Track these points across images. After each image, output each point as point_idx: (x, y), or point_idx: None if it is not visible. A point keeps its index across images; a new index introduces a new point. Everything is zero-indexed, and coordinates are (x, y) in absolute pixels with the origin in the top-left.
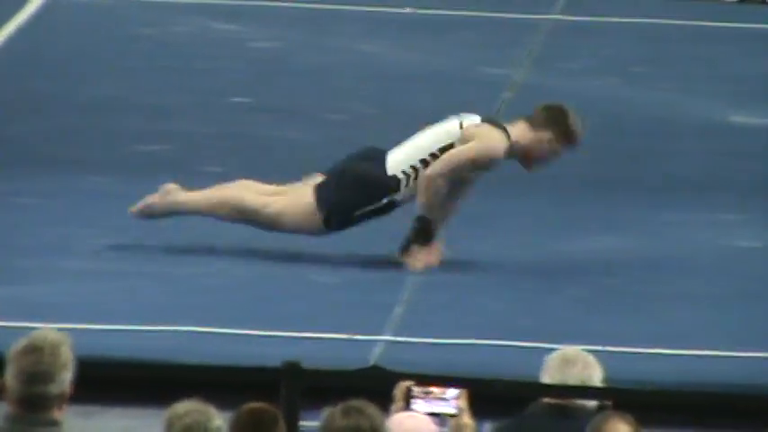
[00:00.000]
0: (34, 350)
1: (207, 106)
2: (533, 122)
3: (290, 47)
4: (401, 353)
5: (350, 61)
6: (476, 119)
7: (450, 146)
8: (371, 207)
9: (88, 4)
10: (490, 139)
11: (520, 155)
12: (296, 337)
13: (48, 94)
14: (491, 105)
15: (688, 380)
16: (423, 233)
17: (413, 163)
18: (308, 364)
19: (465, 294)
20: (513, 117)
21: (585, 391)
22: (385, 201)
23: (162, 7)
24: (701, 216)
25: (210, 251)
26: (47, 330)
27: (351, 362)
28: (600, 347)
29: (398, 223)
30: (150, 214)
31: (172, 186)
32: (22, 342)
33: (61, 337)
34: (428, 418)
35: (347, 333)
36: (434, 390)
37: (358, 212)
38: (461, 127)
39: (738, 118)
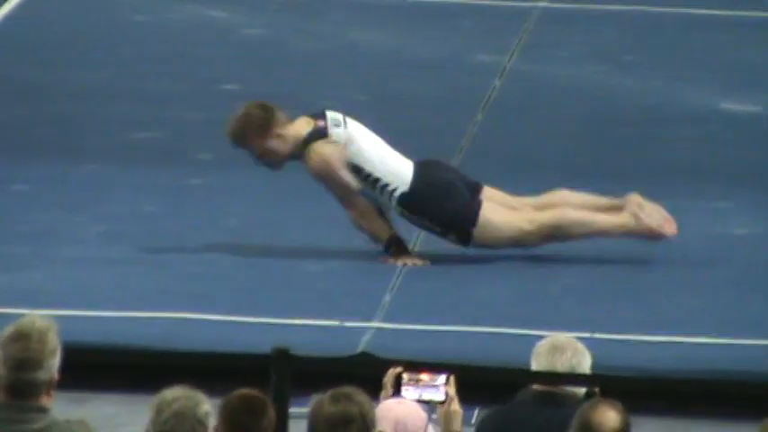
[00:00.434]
0: (22, 337)
1: (199, 93)
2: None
3: (281, 34)
4: (390, 340)
5: (341, 48)
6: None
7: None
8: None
9: None
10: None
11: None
12: (285, 324)
13: (39, 80)
14: (482, 92)
15: (677, 367)
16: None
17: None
18: (297, 350)
19: (454, 281)
20: (503, 106)
21: (575, 377)
22: None
23: None
24: (694, 204)
25: (201, 239)
26: (34, 317)
27: (340, 348)
28: (589, 334)
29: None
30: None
31: None
32: (9, 329)
33: (48, 323)
34: (417, 405)
35: (337, 320)
36: (424, 376)
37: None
38: None
39: (729, 105)
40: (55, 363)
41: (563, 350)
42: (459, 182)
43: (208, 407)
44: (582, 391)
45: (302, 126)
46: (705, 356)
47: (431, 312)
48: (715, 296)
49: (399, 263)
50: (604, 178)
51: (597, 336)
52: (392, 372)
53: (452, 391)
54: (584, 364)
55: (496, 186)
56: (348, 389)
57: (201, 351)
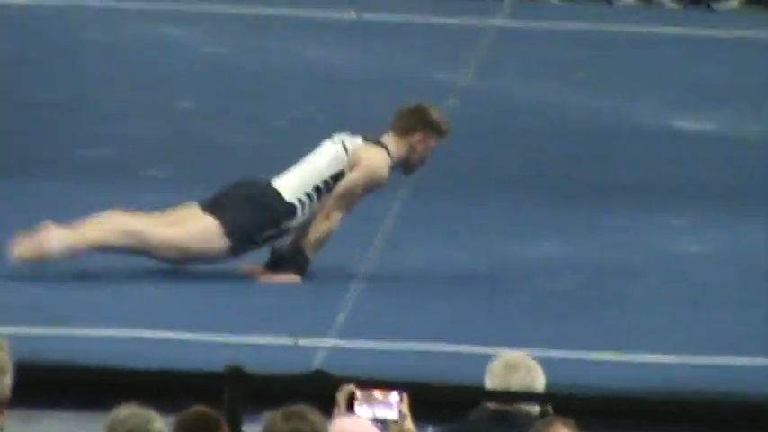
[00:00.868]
0: None
1: (153, 110)
2: (400, 130)
3: (236, 51)
4: (344, 358)
5: (296, 66)
6: (357, 140)
7: (341, 172)
8: (273, 232)
9: (32, 6)
10: (376, 163)
11: (401, 165)
12: (239, 342)
13: None
14: None
15: (631, 385)
16: (299, 269)
17: (307, 190)
18: (251, 368)
19: (409, 299)
20: (458, 122)
21: (528, 396)
22: (285, 227)
23: (109, 11)
24: (647, 221)
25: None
26: None
27: (294, 366)
28: (543, 352)
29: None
30: (41, 255)
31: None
32: None
33: None
34: (370, 423)
35: (291, 338)
36: (377, 394)
37: (262, 236)
38: (346, 150)
39: (681, 123)
40: (7, 381)
41: (517, 368)
42: None
43: (161, 425)
44: (536, 409)
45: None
46: (659, 374)
47: (385, 330)
48: (669, 314)
49: (275, 278)
50: (557, 194)
51: (549, 354)
52: (345, 389)
53: (406, 408)
54: (538, 383)
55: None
56: (300, 407)
57: (155, 369)
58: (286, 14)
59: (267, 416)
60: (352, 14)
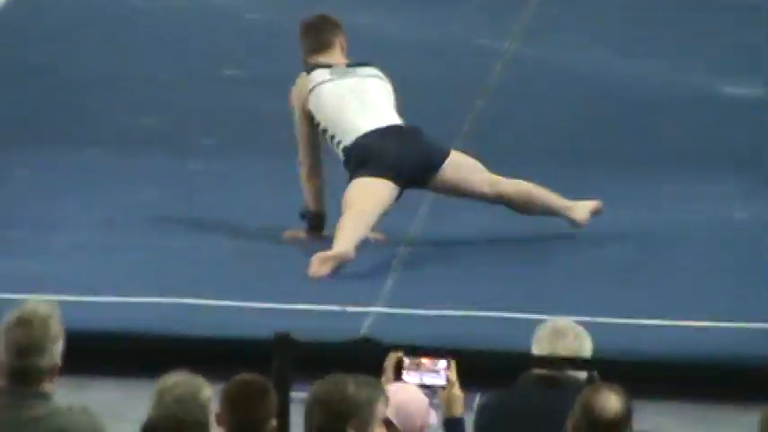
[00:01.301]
0: (24, 323)
1: (200, 79)
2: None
3: (283, 18)
4: (392, 324)
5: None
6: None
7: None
8: None
9: None
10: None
11: None
12: (287, 309)
13: (41, 67)
14: (484, 77)
15: (679, 351)
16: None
17: None
18: (299, 335)
19: (456, 266)
20: (505, 90)
21: (575, 362)
22: None
23: None
24: (696, 188)
25: (201, 225)
26: (36, 303)
27: (342, 333)
28: (590, 318)
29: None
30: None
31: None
32: (11, 315)
33: (50, 309)
34: (418, 390)
35: (338, 305)
36: (425, 361)
37: None
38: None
39: (731, 89)
40: (57, 348)
41: (564, 334)
42: (402, 148)
43: (209, 392)
44: (582, 375)
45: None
46: (706, 340)
47: (432, 297)
48: (717, 280)
49: (288, 236)
50: (605, 162)
51: (597, 320)
52: (393, 356)
53: (453, 375)
54: (585, 349)
55: (499, 172)
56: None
57: (203, 336)
58: None
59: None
60: None
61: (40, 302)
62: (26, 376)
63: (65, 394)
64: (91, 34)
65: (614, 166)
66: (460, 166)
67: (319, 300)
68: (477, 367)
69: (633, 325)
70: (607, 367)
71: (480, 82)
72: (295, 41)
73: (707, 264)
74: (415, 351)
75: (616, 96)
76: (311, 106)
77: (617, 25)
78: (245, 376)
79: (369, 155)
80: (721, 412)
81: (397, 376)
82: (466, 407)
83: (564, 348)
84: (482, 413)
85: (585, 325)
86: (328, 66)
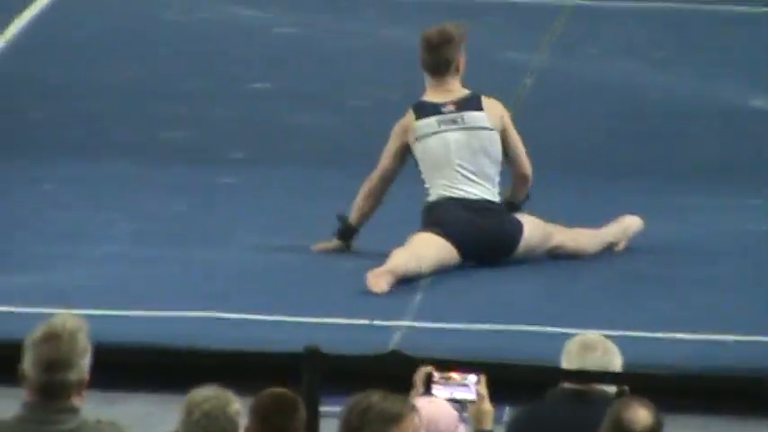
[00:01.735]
0: (52, 337)
1: (229, 92)
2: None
3: (312, 32)
4: (421, 338)
5: (372, 46)
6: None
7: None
8: None
9: None
10: None
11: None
12: (316, 323)
13: (71, 79)
14: (512, 90)
15: (708, 365)
16: None
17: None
18: (328, 349)
19: (483, 280)
20: (534, 103)
21: (605, 376)
22: None
23: None
24: (724, 200)
25: (230, 238)
26: (64, 317)
27: (371, 347)
28: (620, 332)
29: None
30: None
31: None
32: (39, 329)
33: (79, 323)
34: (448, 404)
35: (367, 318)
36: (454, 375)
37: None
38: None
39: (758, 102)
40: (86, 363)
41: (593, 348)
42: (479, 228)
43: (238, 406)
44: (612, 389)
45: (457, 85)
46: (736, 354)
47: (461, 311)
48: (746, 293)
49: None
50: (635, 175)
51: (627, 334)
52: (423, 370)
53: (483, 389)
54: (615, 363)
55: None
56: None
57: (232, 350)
58: None
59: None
60: None
61: (68, 316)
62: (54, 391)
63: (94, 408)
64: (119, 48)
65: (643, 178)
66: (530, 242)
67: (348, 313)
68: (507, 381)
69: (662, 339)
70: (636, 381)
71: (509, 95)
72: (323, 54)
73: (735, 276)
74: (445, 365)
75: (644, 110)
76: (416, 153)
77: (645, 38)
78: (274, 390)
79: (446, 220)
80: (753, 426)
81: (427, 390)
82: (495, 421)
83: (593, 362)
84: (512, 427)
85: (615, 339)
86: (437, 109)
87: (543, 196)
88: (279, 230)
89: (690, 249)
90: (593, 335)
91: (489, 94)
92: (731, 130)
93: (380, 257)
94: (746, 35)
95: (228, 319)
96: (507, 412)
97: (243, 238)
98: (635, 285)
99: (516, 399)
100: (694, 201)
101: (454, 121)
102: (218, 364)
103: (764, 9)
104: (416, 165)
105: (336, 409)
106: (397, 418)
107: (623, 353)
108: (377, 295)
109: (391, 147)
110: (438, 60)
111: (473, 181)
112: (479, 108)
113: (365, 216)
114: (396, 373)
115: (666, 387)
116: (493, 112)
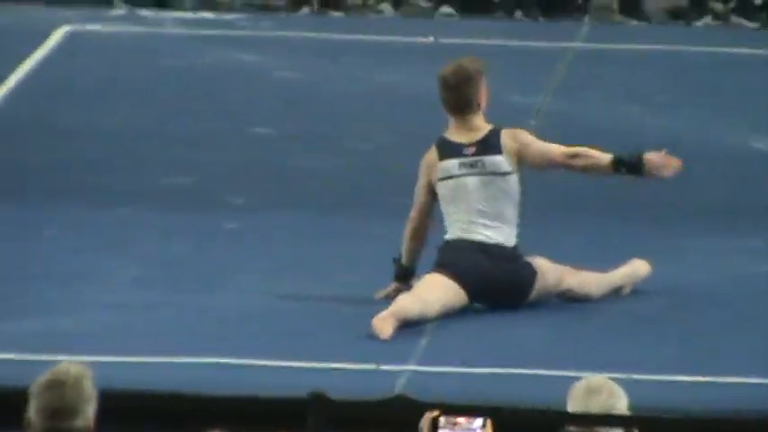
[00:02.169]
0: (57, 385)
1: (229, 136)
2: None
3: (312, 77)
4: (426, 382)
5: (373, 90)
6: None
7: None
8: None
9: (111, 35)
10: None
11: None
12: (320, 368)
13: (72, 124)
14: None
15: (714, 407)
16: None
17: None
18: (333, 394)
19: (489, 324)
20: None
21: (610, 418)
22: None
23: (185, 39)
24: (727, 243)
25: (234, 282)
26: (69, 364)
27: (376, 392)
28: (625, 375)
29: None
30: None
31: None
32: (44, 376)
33: (83, 370)
34: None
35: (373, 363)
36: (461, 420)
37: None
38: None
39: (760, 145)
40: (91, 410)
41: (599, 391)
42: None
43: None
44: (617, 431)
45: (479, 122)
46: (743, 396)
47: (466, 355)
48: (749, 335)
49: (381, 294)
50: (637, 217)
51: (633, 377)
52: (429, 416)
53: None
54: (620, 406)
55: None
56: None
57: (237, 396)
58: (362, 39)
59: None
60: (429, 39)
61: (72, 364)
62: None
63: None
64: (120, 94)
65: (646, 221)
66: (543, 289)
67: (353, 358)
68: (513, 425)
69: (667, 381)
70: (642, 424)
71: None
72: (323, 98)
73: (738, 318)
74: (451, 409)
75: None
76: (438, 190)
77: (648, 81)
78: None
79: (458, 261)
80: None
81: None
82: None
83: (598, 405)
84: None
85: (620, 381)
86: (458, 151)
87: (543, 237)
88: (281, 274)
89: (693, 292)
90: (598, 377)
91: (509, 127)
92: (733, 173)
93: (387, 301)
94: (748, 78)
95: (233, 364)
96: None
97: (245, 283)
98: (639, 327)
99: None
100: (697, 243)
101: (473, 165)
102: (223, 409)
103: (766, 51)
104: (437, 200)
105: None
106: None
107: (629, 395)
108: (382, 340)
109: (421, 183)
110: (457, 100)
111: (490, 224)
112: (498, 151)
113: (415, 254)
114: (402, 418)
115: (671, 429)
116: (509, 148)
